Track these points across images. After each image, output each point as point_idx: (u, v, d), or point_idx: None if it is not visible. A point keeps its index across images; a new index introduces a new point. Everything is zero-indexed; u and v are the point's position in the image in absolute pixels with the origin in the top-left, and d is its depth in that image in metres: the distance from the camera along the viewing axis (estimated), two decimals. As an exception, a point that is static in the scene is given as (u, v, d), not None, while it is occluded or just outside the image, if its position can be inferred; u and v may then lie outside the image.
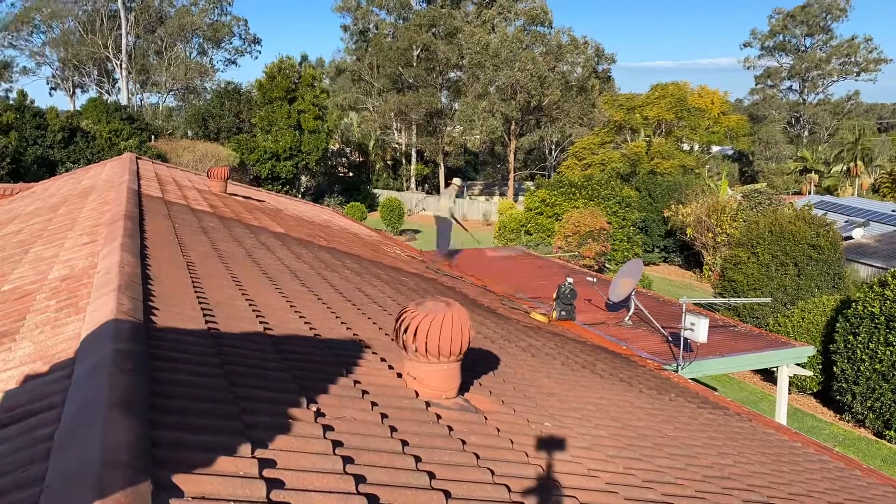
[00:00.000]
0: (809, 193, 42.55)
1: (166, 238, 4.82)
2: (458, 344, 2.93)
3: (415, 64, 45.70)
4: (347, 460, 2.01)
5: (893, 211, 28.17)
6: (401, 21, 49.76)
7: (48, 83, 57.23)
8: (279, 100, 35.20)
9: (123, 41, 51.26)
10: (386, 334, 4.01)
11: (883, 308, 12.49)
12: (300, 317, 3.75)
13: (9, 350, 2.65)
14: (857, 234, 25.36)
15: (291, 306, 3.97)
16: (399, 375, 3.12)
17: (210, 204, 8.15)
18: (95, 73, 55.20)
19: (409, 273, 8.30)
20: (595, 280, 13.15)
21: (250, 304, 3.65)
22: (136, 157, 10.51)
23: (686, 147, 42.38)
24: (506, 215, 28.89)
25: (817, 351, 13.68)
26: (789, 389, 12.54)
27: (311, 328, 3.56)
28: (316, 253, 6.98)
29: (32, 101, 30.08)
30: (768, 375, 15.41)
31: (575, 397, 4.20)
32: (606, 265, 23.52)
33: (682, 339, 8.79)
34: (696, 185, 28.81)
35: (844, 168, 45.53)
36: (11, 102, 30.07)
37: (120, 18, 50.90)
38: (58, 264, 4.04)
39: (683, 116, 39.21)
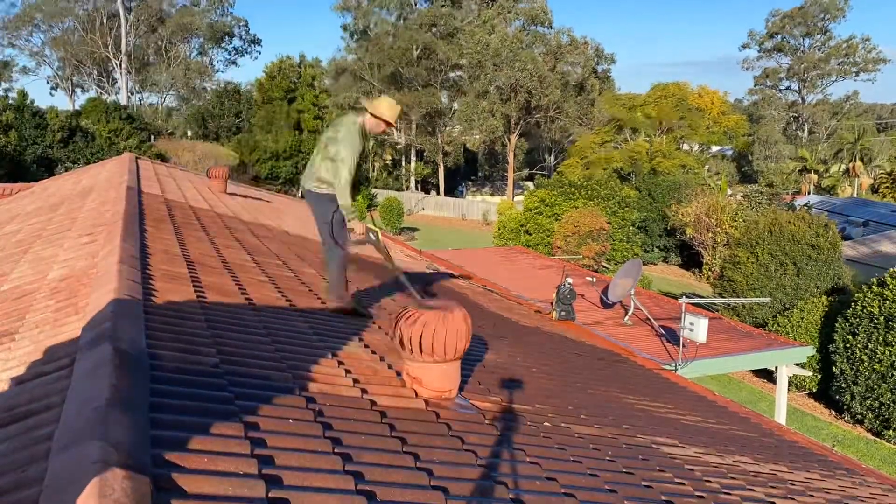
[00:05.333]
0: (809, 193, 42.56)
1: (166, 237, 4.82)
2: (457, 344, 2.93)
3: (415, 63, 45.70)
4: (346, 459, 2.01)
5: (893, 211, 28.19)
6: (401, 21, 49.76)
7: (48, 83, 57.26)
8: (279, 99, 35.20)
9: (123, 41, 51.25)
10: (385, 333, 4.02)
11: (882, 308, 12.50)
12: (300, 315, 3.75)
13: (8, 350, 2.65)
14: (857, 234, 25.39)
15: (291, 305, 3.97)
16: (398, 375, 3.13)
17: (210, 203, 8.16)
18: (95, 72, 55.18)
19: (408, 273, 8.29)
20: (594, 280, 13.16)
21: (250, 304, 3.65)
22: (136, 157, 10.52)
23: (686, 147, 42.41)
24: (505, 215, 28.90)
25: (816, 351, 13.70)
26: (788, 389, 12.56)
27: (311, 327, 3.57)
28: (316, 253, 6.98)
29: (32, 101, 30.06)
30: (768, 375, 15.43)
31: (575, 397, 4.20)
32: (605, 265, 23.52)
33: (681, 339, 8.79)
34: (695, 185, 28.83)
35: (844, 168, 45.54)
36: (11, 102, 30.03)
37: (120, 18, 50.89)
38: (57, 264, 4.05)
39: (684, 116, 39.23)
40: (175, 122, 49.99)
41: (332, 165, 4.05)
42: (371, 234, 4.34)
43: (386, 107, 4.20)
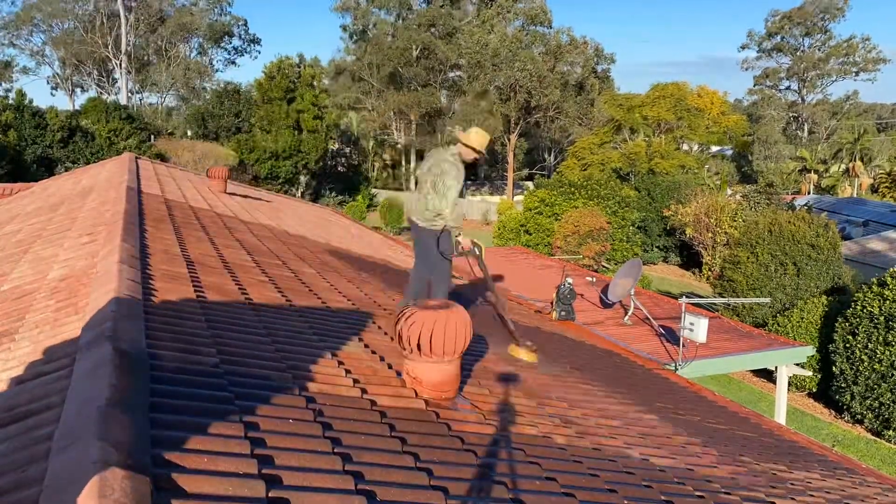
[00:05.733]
0: (809, 193, 42.56)
1: (166, 237, 4.82)
2: (457, 343, 2.93)
3: (414, 63, 45.73)
4: (346, 459, 2.01)
5: (893, 211, 28.19)
6: (400, 21, 49.79)
7: (48, 83, 57.28)
8: (278, 100, 35.21)
9: (123, 41, 51.25)
10: (385, 333, 4.02)
11: (882, 308, 12.50)
12: (300, 315, 3.75)
13: (8, 350, 2.65)
14: (857, 233, 25.42)
15: (291, 305, 3.97)
16: (398, 374, 3.13)
17: (209, 203, 8.16)
18: (95, 72, 55.18)
19: (409, 272, 8.29)
20: (594, 280, 13.17)
21: (250, 304, 3.65)
22: (136, 157, 10.51)
23: (685, 147, 42.42)
24: (505, 215, 28.93)
25: (816, 351, 13.70)
26: (788, 389, 12.56)
27: (311, 327, 3.57)
28: (316, 253, 6.98)
29: (31, 101, 30.07)
30: (768, 375, 15.43)
31: (575, 397, 4.20)
32: (605, 265, 23.53)
33: (681, 339, 8.80)
34: (695, 184, 28.85)
35: (843, 168, 45.54)
36: (11, 102, 30.05)
37: (120, 18, 50.90)
38: (57, 264, 4.04)
39: (683, 116, 39.25)
40: (175, 122, 49.99)
41: (439, 196, 4.63)
42: (475, 249, 4.87)
43: (475, 137, 4.74)
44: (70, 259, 4.08)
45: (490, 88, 42.71)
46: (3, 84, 54.48)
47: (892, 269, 13.03)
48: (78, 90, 57.23)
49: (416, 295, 4.88)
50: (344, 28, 52.24)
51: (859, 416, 13.06)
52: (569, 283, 8.81)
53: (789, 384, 13.00)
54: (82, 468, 1.39)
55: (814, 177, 46.13)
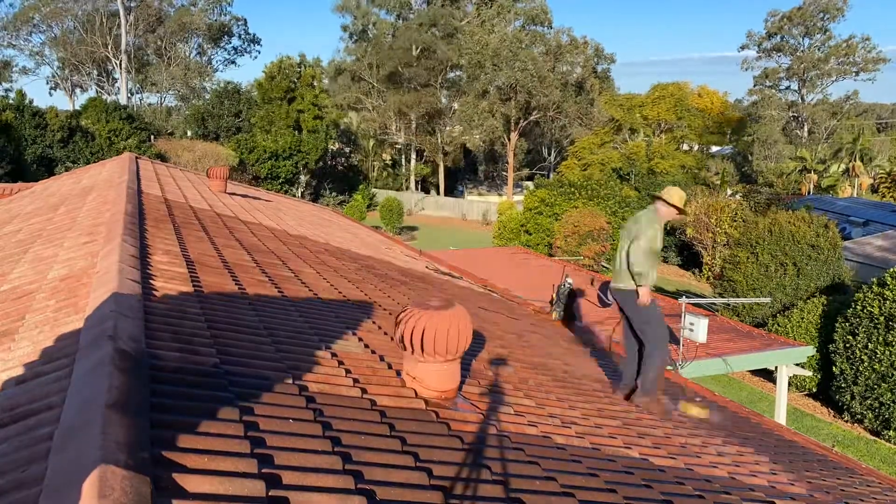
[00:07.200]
0: (808, 193, 42.54)
1: (166, 237, 4.82)
2: (457, 343, 2.93)
3: (414, 63, 45.74)
4: (346, 458, 2.02)
5: (893, 211, 28.18)
6: (400, 21, 49.81)
7: (48, 83, 57.24)
8: (278, 99, 35.21)
9: (123, 41, 51.23)
10: (385, 333, 4.02)
11: (882, 308, 12.50)
12: (300, 314, 3.75)
13: (8, 350, 2.65)
14: (856, 234, 25.42)
15: (291, 304, 3.97)
16: (398, 374, 3.13)
17: (209, 203, 8.15)
18: (95, 72, 55.15)
19: (408, 272, 8.30)
20: (594, 280, 13.16)
21: (250, 303, 3.65)
22: (136, 157, 10.51)
23: (685, 147, 42.46)
24: (505, 215, 28.93)
25: (816, 350, 13.71)
26: (788, 389, 12.57)
27: (311, 326, 3.57)
28: (316, 253, 6.98)
29: (31, 101, 30.10)
30: (768, 375, 15.43)
31: (576, 398, 4.20)
32: (605, 265, 23.54)
33: (681, 339, 8.79)
34: (694, 184, 28.90)
35: (843, 168, 45.48)
36: (11, 102, 30.06)
37: (119, 17, 50.88)
38: (57, 264, 4.04)
39: (683, 116, 39.28)
40: (175, 122, 49.93)
41: (635, 245, 4.67)
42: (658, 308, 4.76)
43: (676, 196, 4.82)
44: (70, 259, 4.08)
45: (490, 88, 42.71)
46: (4, 84, 54.48)
47: (892, 269, 13.03)
48: (78, 90, 57.23)
49: (631, 368, 4.84)
50: (344, 28, 52.29)
51: (859, 416, 13.06)
52: (568, 283, 8.80)
53: (789, 384, 13.00)
54: (82, 468, 1.39)
55: (814, 177, 46.08)
